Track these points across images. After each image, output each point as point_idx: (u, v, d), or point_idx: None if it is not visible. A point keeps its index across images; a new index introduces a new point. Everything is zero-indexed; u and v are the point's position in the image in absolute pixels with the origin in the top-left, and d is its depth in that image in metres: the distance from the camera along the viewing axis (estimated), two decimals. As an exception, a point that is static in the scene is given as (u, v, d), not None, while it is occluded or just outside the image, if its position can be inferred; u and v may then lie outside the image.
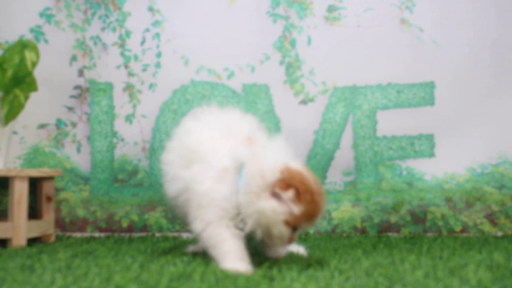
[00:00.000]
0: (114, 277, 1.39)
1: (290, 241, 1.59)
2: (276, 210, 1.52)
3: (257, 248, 1.77)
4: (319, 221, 2.45)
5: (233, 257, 1.57)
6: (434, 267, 1.55)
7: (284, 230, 1.54)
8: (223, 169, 1.61)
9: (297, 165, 1.59)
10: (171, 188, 1.76)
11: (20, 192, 2.13)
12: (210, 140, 1.69)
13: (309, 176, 1.57)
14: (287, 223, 1.54)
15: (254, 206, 1.54)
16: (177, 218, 2.42)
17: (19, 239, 2.11)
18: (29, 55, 2.18)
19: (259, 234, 1.58)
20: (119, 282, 1.33)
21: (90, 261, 1.71)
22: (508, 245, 2.07)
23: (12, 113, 2.21)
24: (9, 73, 2.16)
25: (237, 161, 1.61)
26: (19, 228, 2.12)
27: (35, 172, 2.21)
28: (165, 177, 1.82)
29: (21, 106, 2.22)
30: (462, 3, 2.50)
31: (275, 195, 1.54)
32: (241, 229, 1.60)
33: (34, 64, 2.20)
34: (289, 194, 1.52)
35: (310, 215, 1.54)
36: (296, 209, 1.52)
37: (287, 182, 1.53)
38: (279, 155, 1.59)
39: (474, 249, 1.96)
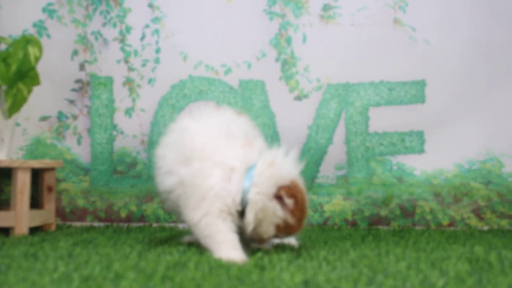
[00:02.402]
0: (113, 265, 1.47)
1: (263, 241, 1.76)
2: (276, 212, 1.69)
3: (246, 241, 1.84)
4: (311, 213, 2.53)
5: (227, 247, 1.66)
6: (417, 259, 1.63)
7: (271, 231, 1.72)
8: (231, 169, 1.72)
9: (302, 184, 1.76)
10: (165, 182, 1.83)
11: (23, 183, 2.21)
12: (214, 140, 1.78)
13: (306, 196, 1.75)
14: (277, 226, 1.71)
15: (260, 203, 1.69)
16: (165, 210, 2.49)
17: (22, 228, 2.19)
18: (32, 51, 2.26)
19: (249, 227, 1.69)
20: (118, 270, 1.40)
21: (91, 249, 1.79)
22: (492, 238, 2.15)
23: (16, 106, 2.28)
24: (13, 67, 2.23)
25: (246, 163, 1.74)
26: (22, 217, 2.20)
27: (37, 164, 2.29)
28: (159, 171, 1.89)
29: (24, 100, 2.30)
30: (454, 3, 2.57)
31: (278, 198, 1.69)
32: (237, 225, 1.71)
33: (37, 59, 2.27)
34: (291, 202, 1.69)
35: (293, 229, 1.73)
36: (291, 219, 1.69)
37: (292, 192, 1.70)
38: (294, 169, 1.75)
39: (459, 242, 2.04)
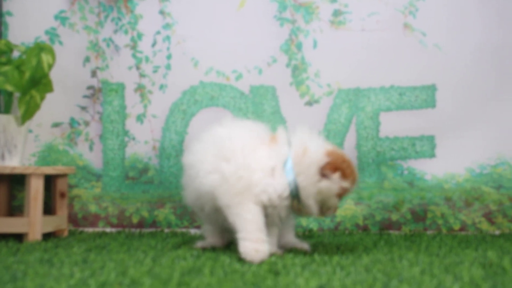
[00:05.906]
0: (128, 271, 1.48)
1: (335, 210, 1.88)
2: (331, 188, 1.81)
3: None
4: (323, 219, 2.54)
5: (253, 229, 1.75)
6: (430, 264, 1.63)
7: (337, 201, 1.85)
8: (271, 169, 1.81)
9: (334, 147, 1.89)
10: (206, 181, 1.86)
11: (36, 189, 2.22)
12: (249, 141, 1.87)
13: (345, 156, 1.86)
14: (338, 195, 1.84)
15: (314, 187, 1.80)
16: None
17: (35, 234, 2.20)
18: (45, 58, 2.27)
19: (313, 210, 1.82)
20: (134, 275, 1.41)
21: (104, 255, 1.80)
22: (504, 243, 2.15)
23: (29, 113, 2.30)
24: (27, 75, 2.25)
25: (281, 159, 1.83)
26: (35, 223, 2.21)
27: (50, 170, 2.30)
28: (197, 174, 1.90)
29: (37, 106, 2.32)
30: (464, 8, 2.57)
31: (325, 176, 1.80)
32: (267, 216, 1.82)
33: (50, 66, 2.29)
34: (336, 175, 1.80)
35: (353, 184, 1.85)
36: (345, 184, 1.81)
37: (334, 164, 1.80)
38: (317, 142, 1.86)
39: (471, 247, 2.04)
